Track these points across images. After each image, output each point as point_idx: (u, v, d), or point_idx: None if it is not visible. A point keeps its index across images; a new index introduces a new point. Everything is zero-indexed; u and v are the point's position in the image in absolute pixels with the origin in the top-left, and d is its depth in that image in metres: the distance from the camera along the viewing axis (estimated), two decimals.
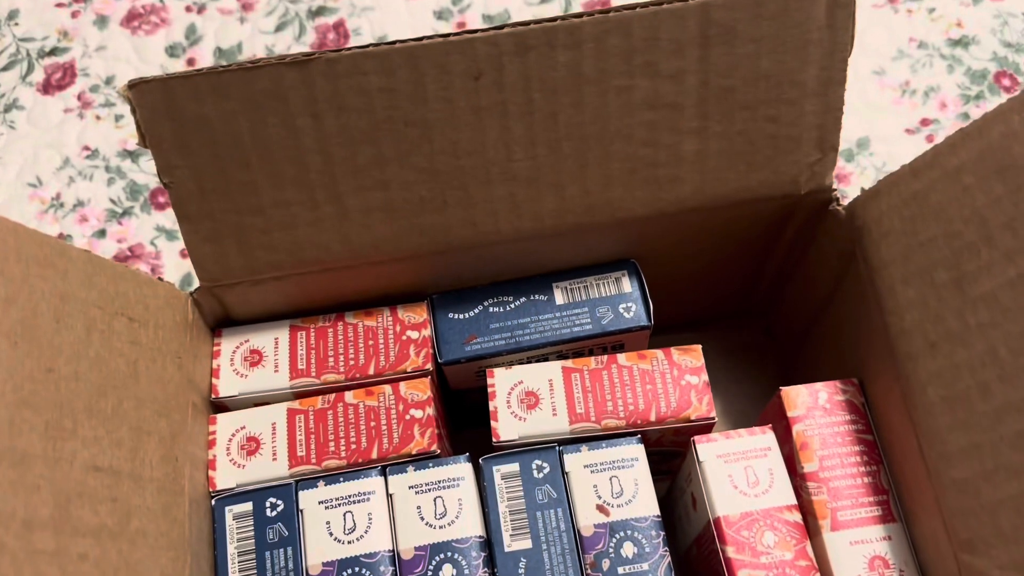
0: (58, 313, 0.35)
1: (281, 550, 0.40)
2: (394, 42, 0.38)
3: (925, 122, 0.65)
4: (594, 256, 0.46)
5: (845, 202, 0.45)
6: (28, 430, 0.32)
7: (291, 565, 0.40)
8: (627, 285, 0.46)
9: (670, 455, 0.47)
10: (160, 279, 0.43)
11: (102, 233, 0.65)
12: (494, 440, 0.43)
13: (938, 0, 0.69)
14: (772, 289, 0.54)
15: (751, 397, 0.55)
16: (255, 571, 0.40)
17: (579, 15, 0.39)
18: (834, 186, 0.44)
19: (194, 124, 0.39)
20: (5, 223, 0.33)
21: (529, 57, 0.39)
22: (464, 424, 0.54)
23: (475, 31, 0.38)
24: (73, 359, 0.35)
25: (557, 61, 0.39)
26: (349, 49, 0.38)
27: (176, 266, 0.63)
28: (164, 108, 0.38)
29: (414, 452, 0.42)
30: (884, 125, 0.65)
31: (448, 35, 0.38)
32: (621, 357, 0.45)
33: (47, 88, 0.69)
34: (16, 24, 0.72)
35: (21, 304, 0.33)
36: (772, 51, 0.40)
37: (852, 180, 0.63)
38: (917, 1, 0.69)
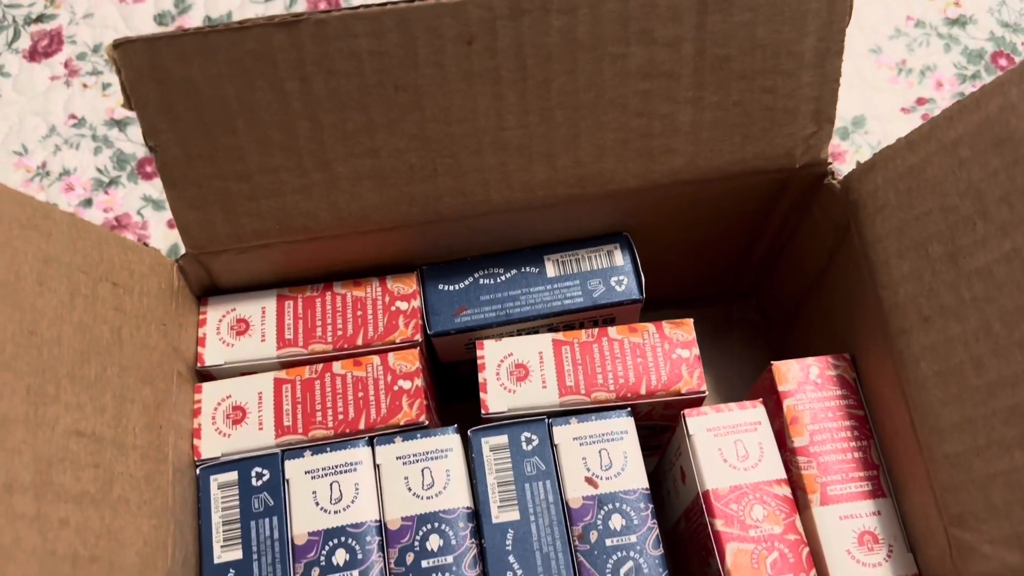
0: (41, 276, 0.34)
1: (267, 519, 0.40)
2: (385, 3, 0.37)
3: (921, 101, 0.64)
4: (586, 229, 0.46)
5: (840, 177, 0.44)
6: (9, 393, 0.31)
7: (276, 535, 0.39)
8: (619, 258, 0.46)
9: (660, 429, 0.47)
10: (146, 244, 0.42)
11: (88, 202, 0.64)
12: (483, 412, 0.42)
13: None
14: (765, 265, 0.53)
15: (742, 375, 0.55)
16: (240, 540, 0.39)
17: None
18: (829, 160, 0.44)
19: (180, 86, 0.38)
20: None
21: (523, 22, 0.38)
22: (453, 397, 0.53)
23: None
24: (56, 323, 0.34)
25: (551, 26, 0.38)
26: (339, 10, 0.37)
27: (163, 236, 0.63)
28: (149, 70, 0.38)
29: (402, 423, 0.42)
30: (880, 103, 0.64)
31: None
32: (612, 330, 0.44)
33: (33, 55, 0.68)
34: None
35: (3, 265, 0.32)
36: (769, 20, 0.40)
37: (847, 158, 0.62)
38: None
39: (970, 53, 0.66)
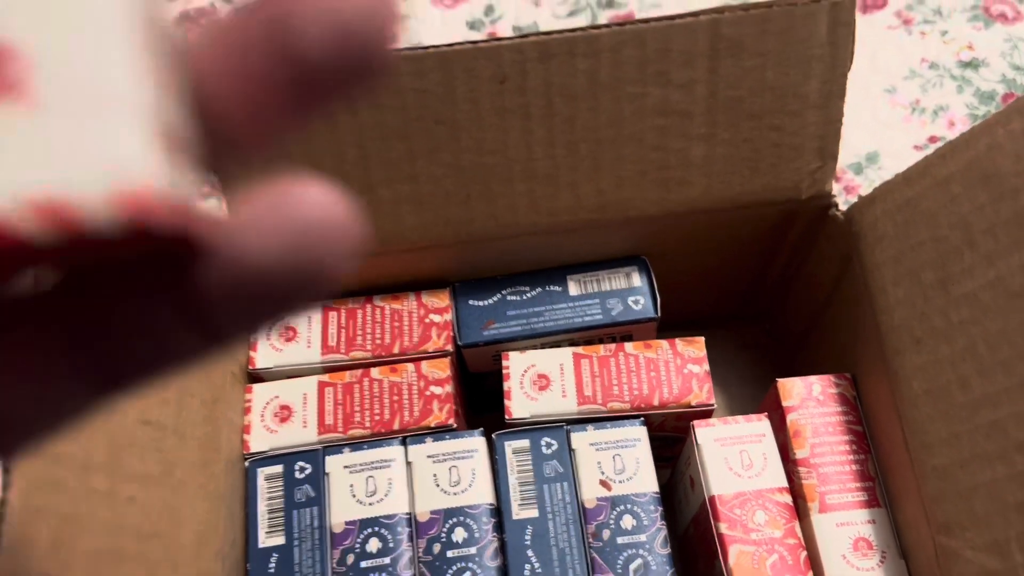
0: None
1: (308, 509, 0.44)
2: (428, 47, 0.42)
3: (933, 139, 0.67)
4: (606, 251, 0.50)
5: (844, 208, 0.48)
6: None
7: (317, 523, 0.43)
8: (637, 280, 0.49)
9: (671, 441, 0.50)
10: None
11: None
12: (507, 417, 0.46)
13: (951, 23, 0.72)
14: (775, 290, 0.57)
15: (751, 394, 0.58)
16: (283, 527, 0.43)
17: (597, 27, 0.42)
18: (834, 193, 0.47)
19: None
20: None
21: (551, 64, 0.42)
22: (482, 409, 0.57)
23: (502, 39, 0.42)
24: None
25: (576, 69, 0.42)
26: None
27: None
28: None
29: (432, 425, 0.46)
30: (893, 141, 0.67)
31: (477, 42, 0.42)
32: (629, 346, 0.48)
33: None
34: None
35: None
36: (777, 65, 0.44)
37: (861, 192, 0.66)
38: (930, 24, 0.72)
39: (982, 94, 0.69)
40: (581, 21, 0.73)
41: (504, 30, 0.74)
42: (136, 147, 0.11)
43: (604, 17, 0.74)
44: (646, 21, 0.42)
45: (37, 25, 0.11)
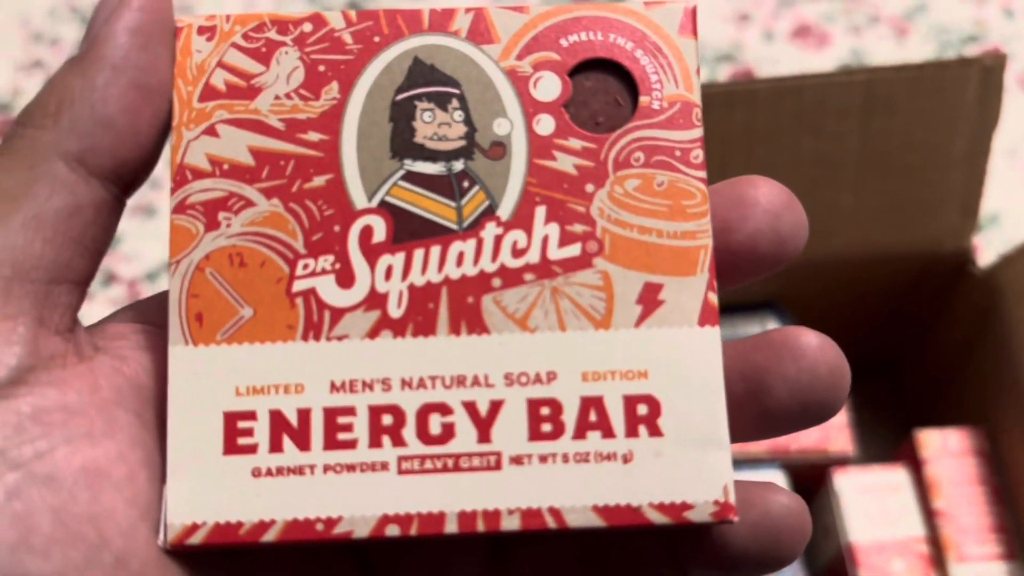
0: None
1: None
2: None
3: None
4: (743, 297, 0.51)
5: (981, 265, 0.48)
6: None
7: None
8: (772, 325, 0.51)
9: (799, 492, 0.51)
10: None
11: None
12: None
13: None
14: (909, 342, 0.57)
15: (879, 444, 0.58)
16: None
17: (754, 80, 0.44)
18: (972, 249, 0.48)
19: None
20: None
21: (710, 115, 0.44)
22: None
23: None
24: None
25: (733, 119, 0.44)
26: None
27: None
28: None
29: None
30: (1014, 202, 0.68)
31: None
32: None
33: None
34: None
35: None
36: (926, 122, 0.45)
37: (980, 251, 0.66)
38: None
39: None
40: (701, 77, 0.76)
41: None
42: (724, 470, 0.17)
43: (723, 72, 0.76)
44: (804, 78, 0.44)
45: (668, 384, 0.17)
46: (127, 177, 0.17)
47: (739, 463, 0.47)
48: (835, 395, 0.18)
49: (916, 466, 0.47)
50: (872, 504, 0.46)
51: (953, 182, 0.47)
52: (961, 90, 0.45)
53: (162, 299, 0.18)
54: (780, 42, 0.77)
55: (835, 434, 0.47)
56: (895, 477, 0.47)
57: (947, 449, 0.47)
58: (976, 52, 0.76)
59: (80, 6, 0.79)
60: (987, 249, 0.66)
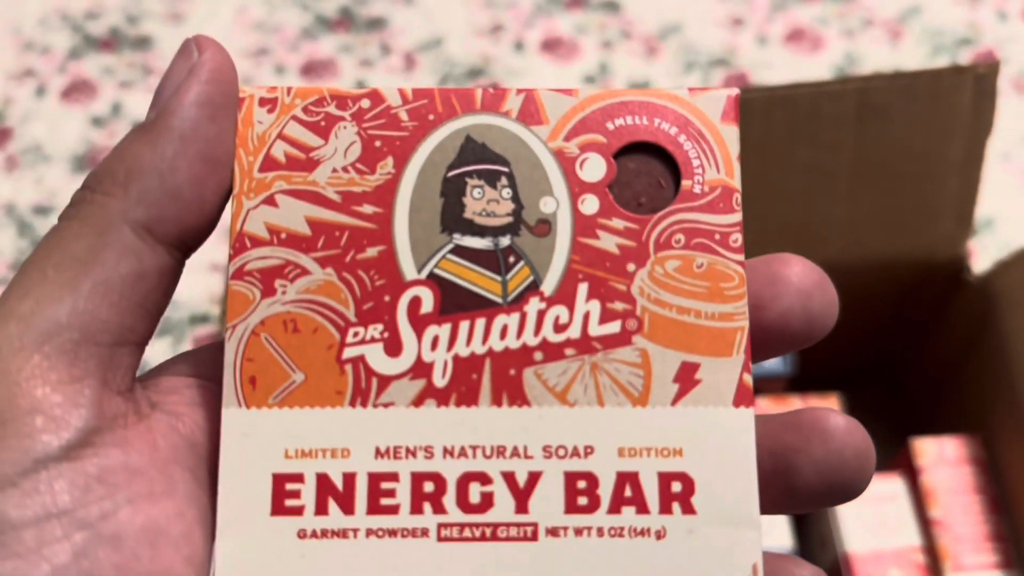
0: None
1: None
2: None
3: None
4: None
5: (975, 272, 0.48)
6: None
7: None
8: None
9: None
10: None
11: None
12: None
13: None
14: (904, 350, 0.57)
15: (878, 449, 0.58)
16: None
17: (747, 89, 0.44)
18: (967, 256, 0.48)
19: None
20: None
21: None
22: None
23: None
24: None
25: None
26: None
27: None
28: None
29: None
30: (1008, 206, 0.68)
31: None
32: (760, 402, 0.49)
33: None
34: None
35: None
36: (921, 130, 0.45)
37: (975, 255, 0.66)
38: None
39: None
40: (694, 80, 0.76)
41: (618, 87, 0.76)
42: (754, 549, 0.18)
43: (717, 77, 0.76)
44: (796, 87, 0.44)
45: (702, 463, 0.18)
46: (190, 242, 0.18)
47: None
48: (860, 477, 0.18)
49: (912, 475, 0.47)
50: (868, 513, 0.46)
51: (947, 190, 0.46)
52: (955, 98, 0.44)
53: (212, 350, 0.19)
54: (774, 46, 0.77)
55: None
56: (891, 486, 0.46)
57: (943, 457, 0.47)
58: (970, 55, 0.76)
59: (71, 14, 0.78)
60: (982, 254, 0.66)
